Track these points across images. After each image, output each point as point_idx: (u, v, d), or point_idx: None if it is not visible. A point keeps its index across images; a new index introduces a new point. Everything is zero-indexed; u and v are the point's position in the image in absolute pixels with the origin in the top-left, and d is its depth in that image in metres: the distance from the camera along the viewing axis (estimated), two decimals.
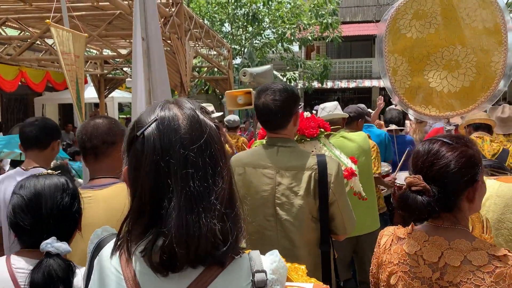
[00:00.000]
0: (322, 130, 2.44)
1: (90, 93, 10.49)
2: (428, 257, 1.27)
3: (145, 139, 0.85)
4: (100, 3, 5.09)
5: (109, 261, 0.90)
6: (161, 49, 2.65)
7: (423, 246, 1.30)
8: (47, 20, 3.02)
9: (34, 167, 2.41)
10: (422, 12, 1.91)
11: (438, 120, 1.93)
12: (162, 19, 5.19)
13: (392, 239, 1.40)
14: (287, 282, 1.08)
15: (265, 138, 2.23)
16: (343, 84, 19.88)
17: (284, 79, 16.38)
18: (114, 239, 0.92)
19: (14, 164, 4.87)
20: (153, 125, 0.86)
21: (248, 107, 3.66)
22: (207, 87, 14.42)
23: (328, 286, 1.19)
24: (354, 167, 2.40)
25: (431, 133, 4.91)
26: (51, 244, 1.31)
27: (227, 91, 3.62)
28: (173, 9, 5.36)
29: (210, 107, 5.10)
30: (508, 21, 1.74)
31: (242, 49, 15.04)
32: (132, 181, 0.88)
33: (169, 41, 5.24)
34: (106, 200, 1.66)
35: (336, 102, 3.44)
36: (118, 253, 0.89)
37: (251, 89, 3.61)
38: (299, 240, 1.89)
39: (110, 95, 10.32)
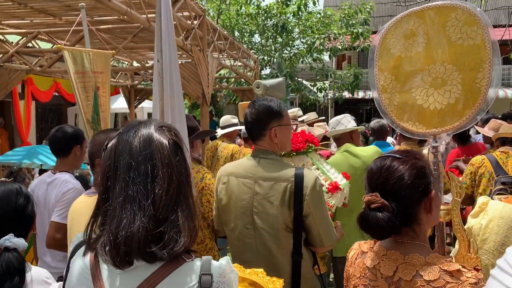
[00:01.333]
0: (311, 145, 2.50)
1: (120, 104, 10.79)
2: (385, 271, 1.30)
3: (107, 149, 1.05)
4: (125, 17, 5.23)
5: (82, 260, 1.04)
6: (177, 72, 2.74)
7: (381, 260, 1.33)
8: (58, 46, 3.15)
9: (60, 171, 2.73)
10: (410, 31, 1.95)
11: (424, 137, 1.93)
12: (184, 32, 5.27)
13: (358, 253, 1.44)
14: None
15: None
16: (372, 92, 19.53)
17: (314, 89, 16.27)
18: (82, 244, 1.07)
19: (43, 172, 5.06)
20: (115, 139, 1.06)
21: None
22: (234, 97, 14.51)
23: None
24: (343, 182, 2.39)
25: (453, 154, 4.73)
26: (9, 239, 1.46)
27: (240, 103, 3.67)
28: (195, 22, 5.43)
29: (234, 119, 5.10)
30: (493, 37, 1.76)
31: (272, 60, 15.07)
32: (102, 187, 1.03)
33: (190, 53, 5.30)
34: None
35: (342, 116, 3.34)
36: (86, 256, 1.03)
37: None
38: (275, 249, 1.96)
39: (139, 106, 10.55)
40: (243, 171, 2.06)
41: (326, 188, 2.31)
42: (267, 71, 15.02)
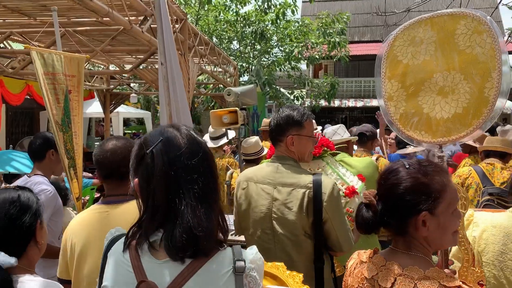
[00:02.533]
0: (326, 149, 2.58)
1: (95, 108, 10.51)
2: (383, 282, 1.28)
3: (155, 155, 1.10)
4: (104, 19, 5.07)
5: (121, 254, 1.14)
6: (179, 74, 2.68)
7: (380, 271, 1.31)
8: (27, 46, 3.04)
9: (35, 175, 2.75)
10: (418, 39, 1.93)
11: (431, 147, 1.90)
12: None
13: (357, 263, 1.42)
14: (283, 287, 1.50)
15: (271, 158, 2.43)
16: (351, 103, 19.78)
17: (291, 97, 16.34)
18: (122, 236, 1.18)
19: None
20: (160, 144, 1.11)
21: (234, 126, 3.59)
22: (213, 103, 14.41)
23: None
24: (358, 185, 2.43)
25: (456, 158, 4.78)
26: None
27: (212, 111, 3.58)
28: (177, 26, 5.33)
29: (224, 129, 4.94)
30: (502, 46, 1.74)
31: (250, 67, 15.05)
32: (144, 190, 1.11)
33: None
34: (120, 215, 1.75)
35: (337, 126, 3.36)
36: (127, 247, 1.13)
37: (237, 108, 3.52)
38: (295, 254, 1.98)
39: (115, 110, 10.31)
40: (262, 177, 2.11)
41: (343, 192, 2.34)
42: (245, 78, 14.99)
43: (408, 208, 1.26)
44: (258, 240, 2.07)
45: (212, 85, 10.96)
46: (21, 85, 8.72)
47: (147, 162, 1.11)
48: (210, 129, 4.82)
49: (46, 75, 3.11)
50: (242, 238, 3.06)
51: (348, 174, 2.50)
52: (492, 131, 4.81)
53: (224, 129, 4.80)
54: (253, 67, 14.65)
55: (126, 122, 15.90)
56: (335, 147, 3.32)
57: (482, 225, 1.81)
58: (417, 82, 1.91)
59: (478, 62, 1.78)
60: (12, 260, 1.37)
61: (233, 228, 3.26)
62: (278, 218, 2.00)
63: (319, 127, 5.89)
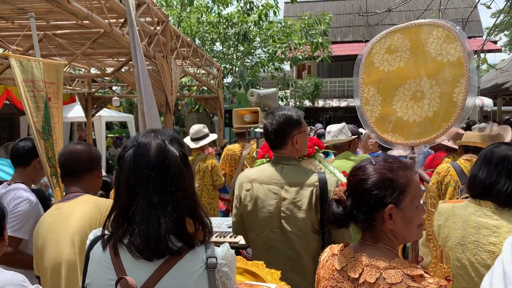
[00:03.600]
0: (317, 148, 2.72)
1: (77, 112, 10.34)
2: (351, 272, 1.34)
3: (124, 159, 1.20)
4: (84, 21, 5.00)
5: (102, 253, 1.22)
6: (146, 75, 2.72)
7: (349, 262, 1.37)
8: (5, 52, 2.97)
9: (15, 182, 2.64)
10: (393, 47, 2.05)
11: (403, 148, 2.02)
12: (147, 38, 5.11)
13: (329, 256, 1.48)
14: (260, 282, 1.62)
15: (265, 157, 2.58)
16: (334, 103, 19.91)
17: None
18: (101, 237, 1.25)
19: None
20: (131, 149, 1.20)
21: (254, 125, 3.69)
22: (197, 105, 14.34)
23: (290, 286, 1.61)
24: (345, 180, 2.56)
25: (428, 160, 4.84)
26: None
27: (234, 109, 3.69)
28: (158, 28, 5.28)
29: (205, 129, 4.93)
30: (470, 53, 1.88)
31: (234, 68, 15.03)
32: (116, 188, 1.22)
33: (154, 60, 5.14)
34: (68, 210, 1.92)
35: (342, 125, 3.49)
36: (107, 246, 1.21)
37: (258, 108, 3.66)
38: (303, 250, 2.06)
39: (97, 114, 10.16)
40: (267, 178, 2.17)
41: None
42: (229, 79, 14.97)
43: (375, 202, 1.32)
44: (266, 239, 2.14)
45: (195, 87, 10.90)
46: (0, 90, 8.55)
47: (120, 164, 1.21)
48: (191, 130, 4.79)
49: (25, 82, 3.05)
50: (237, 239, 3.09)
51: (337, 172, 2.64)
52: (468, 130, 4.89)
53: (205, 131, 4.79)
54: (237, 69, 14.63)
55: (109, 125, 15.71)
56: (339, 145, 3.50)
57: (445, 214, 1.96)
58: (392, 88, 2.03)
59: (448, 69, 1.91)
60: None
61: (228, 230, 3.29)
62: (287, 217, 2.09)
63: (309, 127, 5.99)
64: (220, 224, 3.48)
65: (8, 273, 1.53)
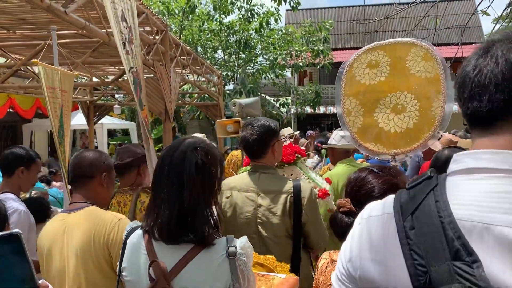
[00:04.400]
0: (299, 156, 2.82)
1: (79, 120, 10.43)
2: None
3: (161, 160, 1.44)
4: (84, 31, 5.08)
5: (137, 240, 1.42)
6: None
7: None
8: (34, 60, 3.17)
9: (4, 192, 2.72)
10: (374, 62, 2.17)
11: (385, 157, 2.10)
12: (146, 47, 5.18)
13: (328, 262, 1.52)
14: (271, 273, 1.78)
15: (249, 165, 2.60)
16: (335, 109, 19.95)
17: (277, 104, 16.43)
18: (139, 227, 1.46)
19: None
20: (164, 151, 1.46)
21: (237, 135, 3.80)
22: (198, 112, 14.42)
23: (298, 277, 1.73)
24: (328, 187, 2.71)
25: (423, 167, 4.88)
26: None
27: (218, 120, 3.79)
28: (157, 37, 5.35)
29: (204, 138, 5.02)
30: (447, 72, 2.00)
31: (235, 75, 15.12)
32: (152, 186, 1.43)
33: (152, 68, 5.21)
34: (73, 221, 1.93)
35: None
36: (143, 235, 1.41)
37: (239, 119, 3.78)
38: (279, 255, 2.12)
39: (99, 122, 10.25)
40: (245, 185, 2.28)
41: (317, 194, 2.53)
42: (230, 86, 15.05)
43: None
44: None
45: (196, 94, 10.98)
46: (3, 98, 8.65)
47: (157, 164, 1.44)
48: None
49: (48, 89, 3.27)
50: None
51: (318, 178, 2.75)
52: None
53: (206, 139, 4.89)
54: (238, 76, 14.72)
55: (112, 133, 15.80)
56: (340, 151, 3.60)
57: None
58: (373, 100, 2.15)
59: (426, 85, 2.02)
60: None
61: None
62: (263, 223, 2.20)
63: (297, 132, 6.12)
64: None
65: None
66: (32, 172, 2.88)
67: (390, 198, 0.84)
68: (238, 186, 2.30)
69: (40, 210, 3.84)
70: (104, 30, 3.77)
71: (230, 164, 5.36)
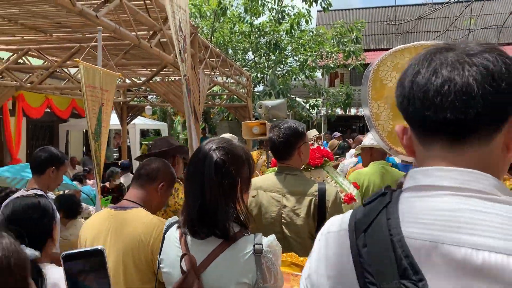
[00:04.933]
0: (327, 159, 2.84)
1: (112, 120, 10.70)
2: None
3: (189, 160, 1.53)
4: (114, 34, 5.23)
5: (173, 235, 1.50)
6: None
7: None
8: (76, 59, 3.30)
9: (33, 189, 2.82)
10: (400, 65, 2.11)
11: (409, 160, 2.05)
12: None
13: None
14: (298, 272, 1.82)
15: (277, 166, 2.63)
16: (363, 112, 19.65)
17: (307, 106, 16.34)
18: (177, 222, 1.54)
19: None
20: (193, 152, 1.55)
21: (262, 137, 3.82)
22: (227, 113, 14.53)
23: None
24: (354, 192, 2.71)
25: None
26: None
27: (243, 122, 3.81)
28: (186, 40, 5.44)
29: (235, 139, 5.08)
30: None
31: (265, 77, 15.15)
32: (185, 186, 1.51)
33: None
34: (122, 219, 1.98)
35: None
36: (177, 230, 1.49)
37: (265, 121, 3.79)
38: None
39: (132, 122, 10.50)
40: (271, 186, 2.31)
41: (342, 199, 2.52)
42: (260, 88, 15.09)
43: None
44: None
45: (226, 96, 11.07)
46: (41, 99, 9.00)
47: (188, 167, 1.52)
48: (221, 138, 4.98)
49: (87, 87, 3.40)
50: None
51: (346, 182, 2.73)
52: None
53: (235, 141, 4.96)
54: (268, 77, 14.74)
55: (145, 133, 16.17)
56: (372, 152, 3.61)
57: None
58: None
59: None
60: (37, 253, 1.64)
61: None
62: (287, 223, 2.24)
63: (323, 133, 6.11)
64: None
65: (59, 268, 1.64)
66: (61, 172, 3.00)
67: (348, 213, 0.84)
68: (264, 186, 2.34)
69: (71, 208, 4.00)
70: (134, 33, 3.87)
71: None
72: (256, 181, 2.40)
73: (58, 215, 2.83)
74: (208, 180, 1.41)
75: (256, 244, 1.38)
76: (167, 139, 2.89)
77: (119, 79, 9.65)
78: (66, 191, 5.36)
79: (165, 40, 4.68)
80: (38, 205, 1.81)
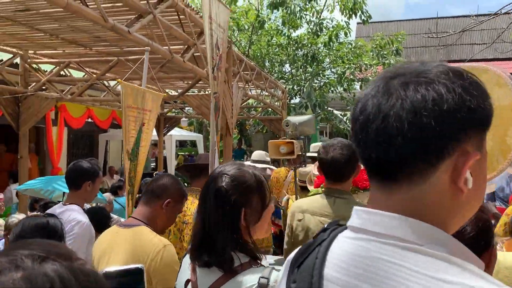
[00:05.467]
0: None
1: None
2: None
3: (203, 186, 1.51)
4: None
5: (187, 260, 1.48)
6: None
7: None
8: (119, 79, 3.28)
9: (70, 203, 2.84)
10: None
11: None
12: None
13: None
14: None
15: (321, 187, 2.60)
16: None
17: (344, 119, 16.06)
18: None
19: None
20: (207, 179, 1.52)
21: (290, 157, 3.63)
22: (262, 126, 14.51)
23: None
24: None
25: None
26: None
27: (270, 141, 3.68)
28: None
29: (267, 157, 5.00)
30: None
31: (302, 89, 15.03)
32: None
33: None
34: (125, 236, 1.97)
35: None
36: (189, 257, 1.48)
37: (293, 140, 3.61)
38: None
39: (168, 133, 10.67)
40: (318, 209, 2.20)
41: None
42: (296, 100, 14.98)
43: (482, 246, 1.36)
44: None
45: (261, 108, 11.05)
46: (82, 109, 9.30)
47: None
48: (253, 154, 4.92)
49: (128, 108, 3.36)
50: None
51: None
52: None
53: (267, 159, 4.87)
54: (305, 90, 14.61)
55: (183, 144, 16.40)
56: None
57: (496, 267, 1.80)
58: None
59: (499, 113, 1.87)
60: None
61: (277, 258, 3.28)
62: None
63: None
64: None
65: None
66: (97, 185, 3.02)
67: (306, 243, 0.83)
68: (310, 209, 2.24)
69: (101, 221, 4.03)
70: (167, 47, 3.89)
71: (273, 181, 5.26)
72: (301, 203, 2.32)
73: (92, 231, 2.85)
74: (209, 207, 1.40)
75: (262, 277, 1.30)
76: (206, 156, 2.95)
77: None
78: (97, 203, 5.44)
79: (198, 54, 4.70)
80: (47, 225, 1.86)
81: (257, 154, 5.08)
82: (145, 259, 1.82)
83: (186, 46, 4.57)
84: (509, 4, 5.54)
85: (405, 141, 0.63)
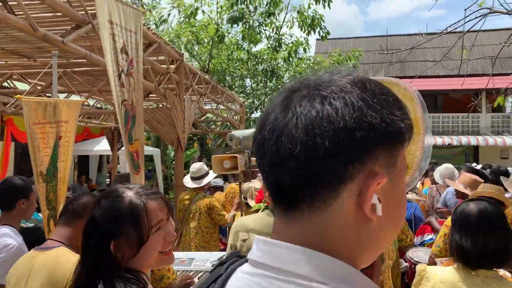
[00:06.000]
0: None
1: (104, 146, 10.59)
2: None
3: None
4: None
5: None
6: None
7: None
8: (18, 96, 3.02)
9: (3, 225, 2.59)
10: None
11: None
12: (159, 76, 5.17)
13: None
14: None
15: (262, 202, 2.37)
16: None
17: None
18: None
19: None
20: None
21: (234, 172, 3.51)
22: (221, 140, 14.42)
23: None
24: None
25: None
26: None
27: (213, 156, 3.54)
28: (171, 66, 5.34)
29: (204, 167, 4.82)
30: (425, 113, 1.85)
31: (262, 103, 15.10)
32: None
33: (165, 97, 5.19)
34: (42, 260, 1.85)
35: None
36: None
37: (237, 155, 3.48)
38: None
39: (123, 148, 10.35)
40: (265, 228, 2.06)
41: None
42: (257, 114, 15.02)
43: None
44: None
45: (220, 122, 10.97)
46: (80, 129, 8.91)
47: None
48: (191, 169, 4.74)
49: (35, 125, 3.01)
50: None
51: None
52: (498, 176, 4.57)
53: (205, 168, 4.73)
54: (265, 104, 14.69)
55: None
56: None
57: (432, 281, 1.87)
58: None
59: None
60: None
61: (205, 269, 3.15)
62: None
63: None
64: (205, 260, 3.26)
65: None
66: (32, 200, 2.78)
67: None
68: (256, 228, 2.12)
69: (37, 242, 3.79)
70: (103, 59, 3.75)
71: (228, 197, 5.15)
72: (246, 222, 2.20)
73: (24, 253, 2.63)
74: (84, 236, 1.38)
75: None
76: (127, 177, 2.72)
77: (110, 107, 9.59)
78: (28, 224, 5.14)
79: (145, 66, 4.57)
80: None
81: (196, 167, 4.76)
82: (63, 280, 1.74)
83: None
84: (454, 23, 5.79)
85: (299, 163, 0.55)
